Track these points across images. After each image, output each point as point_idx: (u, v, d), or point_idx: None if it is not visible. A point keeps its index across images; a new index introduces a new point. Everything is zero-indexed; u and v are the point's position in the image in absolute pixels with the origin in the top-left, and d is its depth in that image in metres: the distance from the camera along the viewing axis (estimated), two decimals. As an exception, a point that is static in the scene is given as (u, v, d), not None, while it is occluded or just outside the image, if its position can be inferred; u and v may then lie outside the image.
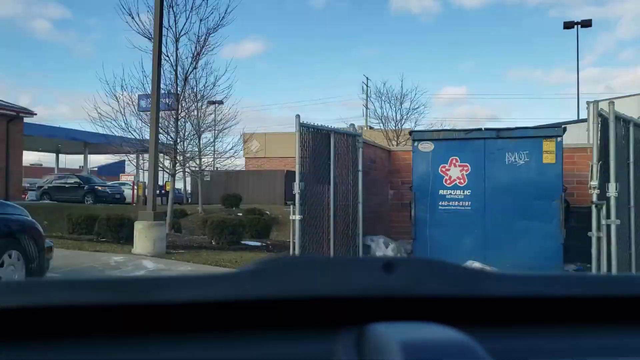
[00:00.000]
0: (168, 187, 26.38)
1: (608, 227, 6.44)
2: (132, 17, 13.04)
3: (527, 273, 0.90)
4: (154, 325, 0.73)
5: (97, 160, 49.57)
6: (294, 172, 7.33)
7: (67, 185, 26.04)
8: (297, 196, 7.17)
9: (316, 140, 7.71)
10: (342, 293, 0.78)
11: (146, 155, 31.64)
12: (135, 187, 26.06)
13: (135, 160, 36.09)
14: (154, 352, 0.71)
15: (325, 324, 0.77)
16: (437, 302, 0.81)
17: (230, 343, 0.74)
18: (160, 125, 16.33)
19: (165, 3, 11.64)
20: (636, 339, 0.85)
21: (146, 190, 25.49)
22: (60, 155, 44.49)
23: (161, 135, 16.18)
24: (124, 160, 53.11)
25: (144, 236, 9.29)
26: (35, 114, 24.51)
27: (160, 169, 16.36)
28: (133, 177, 37.46)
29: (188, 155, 15.88)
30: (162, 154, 16.93)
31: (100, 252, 9.15)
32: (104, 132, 16.82)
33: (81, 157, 42.58)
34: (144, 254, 9.07)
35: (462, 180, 8.33)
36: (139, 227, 9.45)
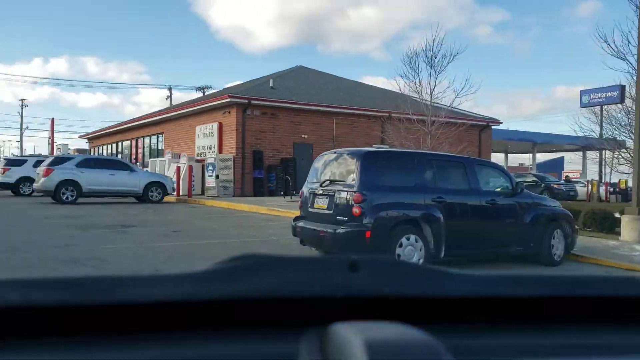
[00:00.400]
0: (622, 185, 27.30)
1: None
2: (607, 44, 15.46)
3: (487, 273, 0.92)
4: (115, 325, 0.74)
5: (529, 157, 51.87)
6: None
7: (525, 183, 29.65)
8: None
9: None
10: (306, 293, 0.78)
11: (589, 153, 32.75)
12: (590, 185, 27.79)
13: (581, 158, 37.60)
14: (113, 352, 0.71)
15: (290, 324, 0.77)
16: (400, 302, 0.81)
17: (191, 343, 0.74)
18: (615, 125, 17.96)
19: None
20: (595, 337, 0.86)
21: (600, 187, 27.06)
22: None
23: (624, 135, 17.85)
24: (562, 157, 54.31)
25: (630, 227, 11.50)
26: (501, 122, 29.09)
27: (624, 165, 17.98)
28: (579, 173, 38.97)
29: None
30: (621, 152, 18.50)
31: (594, 238, 11.74)
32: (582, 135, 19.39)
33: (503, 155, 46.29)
34: (630, 241, 11.34)
35: None
36: (625, 220, 11.67)
